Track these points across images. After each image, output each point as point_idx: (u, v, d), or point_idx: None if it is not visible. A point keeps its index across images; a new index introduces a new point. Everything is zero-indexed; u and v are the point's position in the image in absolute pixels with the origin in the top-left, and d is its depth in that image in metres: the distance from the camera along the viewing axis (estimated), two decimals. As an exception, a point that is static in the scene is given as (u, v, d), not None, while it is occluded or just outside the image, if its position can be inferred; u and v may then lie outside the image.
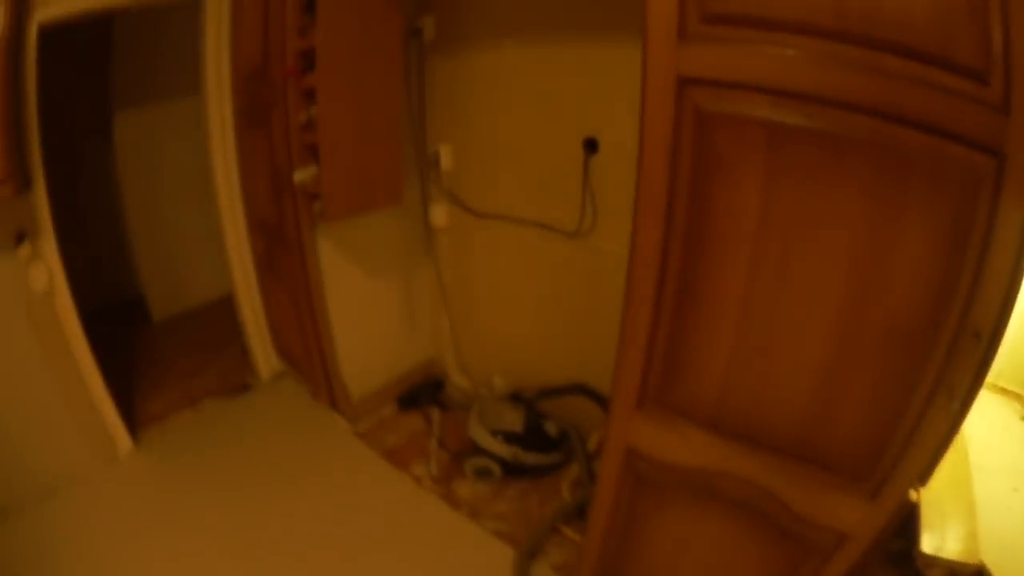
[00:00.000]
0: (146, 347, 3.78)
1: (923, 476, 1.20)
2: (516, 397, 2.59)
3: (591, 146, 2.15)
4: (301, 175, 2.33)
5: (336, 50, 2.11)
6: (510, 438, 2.44)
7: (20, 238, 2.36)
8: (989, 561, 1.14)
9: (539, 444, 2.50)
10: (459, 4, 2.43)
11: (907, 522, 1.22)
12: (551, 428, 2.53)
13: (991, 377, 1.30)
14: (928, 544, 1.16)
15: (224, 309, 3.86)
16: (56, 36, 2.32)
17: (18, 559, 2.35)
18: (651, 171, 1.24)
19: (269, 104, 2.47)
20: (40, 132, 2.39)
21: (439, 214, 2.83)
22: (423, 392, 3.06)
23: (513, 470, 2.50)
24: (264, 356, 3.33)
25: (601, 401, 2.40)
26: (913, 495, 1.22)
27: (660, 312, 1.38)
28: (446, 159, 2.69)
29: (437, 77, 2.61)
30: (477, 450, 2.48)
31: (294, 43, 2.20)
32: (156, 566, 2.31)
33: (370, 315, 2.87)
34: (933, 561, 1.15)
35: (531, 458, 2.48)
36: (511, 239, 2.54)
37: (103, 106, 3.72)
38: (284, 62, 2.27)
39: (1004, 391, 1.62)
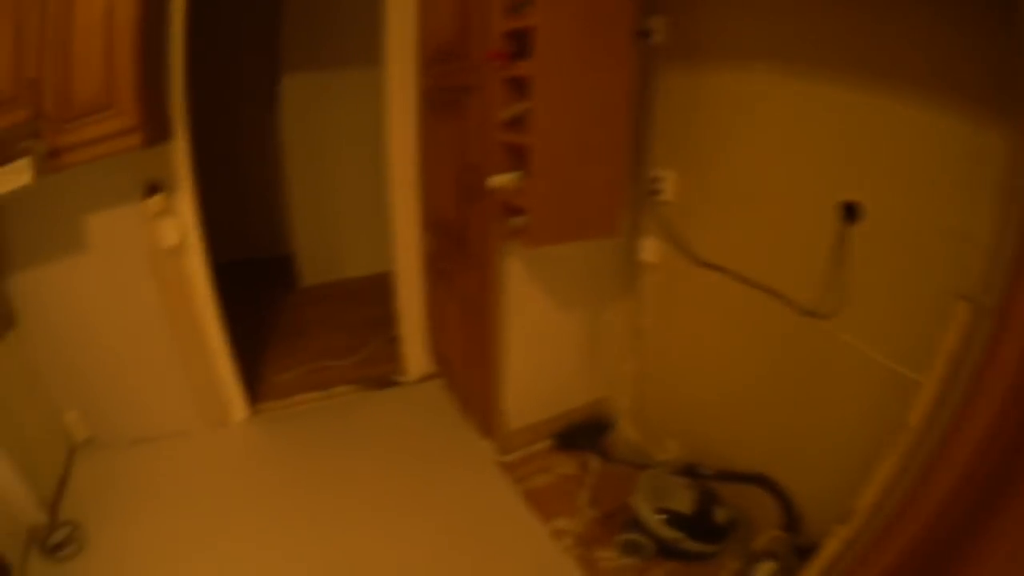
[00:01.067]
0: (289, 312, 3.77)
1: None
2: (690, 471, 2.28)
3: (850, 213, 1.77)
4: (499, 181, 1.99)
5: (557, 36, 1.74)
6: (676, 520, 2.14)
7: (152, 190, 2.29)
8: None
9: (705, 531, 2.18)
10: (700, 4, 1.98)
11: None
12: (721, 514, 2.19)
13: None
14: None
15: (377, 290, 3.79)
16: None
17: (100, 484, 2.43)
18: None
19: (464, 89, 2.17)
20: (194, 88, 2.31)
21: (651, 249, 2.40)
22: (585, 434, 2.69)
23: (668, 552, 2.21)
24: (416, 355, 3.13)
25: (782, 499, 2.05)
26: None
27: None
28: (669, 188, 2.26)
29: (665, 89, 2.18)
30: (635, 523, 2.21)
31: (501, 22, 1.86)
32: (228, 535, 2.24)
33: (548, 342, 2.54)
34: None
35: (694, 546, 2.17)
36: (729, 296, 2.13)
37: (271, 68, 3.74)
38: (487, 43, 1.94)
39: None
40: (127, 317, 2.45)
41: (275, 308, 3.81)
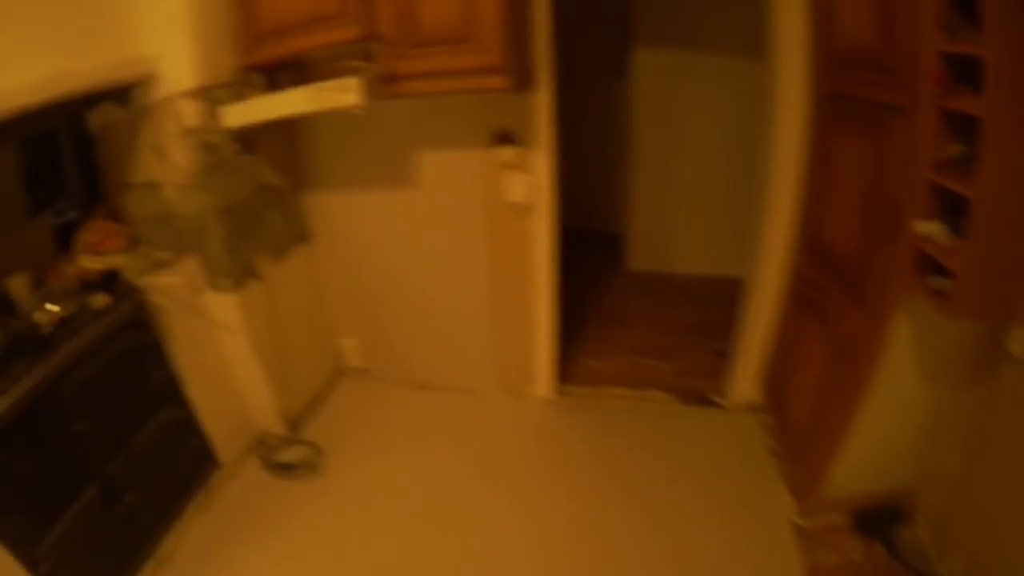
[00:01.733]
0: (612, 295, 3.58)
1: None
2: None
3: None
4: (926, 229, 1.58)
5: (1015, 73, 1.32)
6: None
7: (503, 139, 2.18)
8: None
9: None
10: None
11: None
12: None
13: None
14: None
15: (707, 294, 3.41)
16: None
17: (359, 415, 2.44)
18: None
19: (886, 108, 1.74)
20: (556, 43, 2.11)
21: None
22: (879, 520, 2.19)
23: None
24: (744, 378, 2.64)
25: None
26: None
27: None
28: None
29: None
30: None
31: (935, 41, 1.47)
32: (477, 504, 2.18)
33: (897, 414, 2.02)
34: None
35: None
36: None
37: (621, 36, 3.47)
38: (920, 59, 1.53)
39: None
40: (443, 262, 2.46)
41: (597, 287, 3.66)
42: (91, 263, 2.20)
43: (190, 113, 2.08)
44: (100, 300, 2.01)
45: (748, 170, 2.60)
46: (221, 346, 2.33)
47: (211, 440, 2.30)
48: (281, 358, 2.43)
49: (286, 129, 2.31)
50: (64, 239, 2.45)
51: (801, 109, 2.16)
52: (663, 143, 3.55)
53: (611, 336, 3.13)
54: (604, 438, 2.52)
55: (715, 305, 3.06)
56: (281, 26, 2.07)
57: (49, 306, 1.94)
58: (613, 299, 3.54)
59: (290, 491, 2.31)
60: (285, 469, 2.34)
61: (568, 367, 2.79)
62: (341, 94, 1.89)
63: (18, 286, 2.27)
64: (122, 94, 2.19)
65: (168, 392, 2.17)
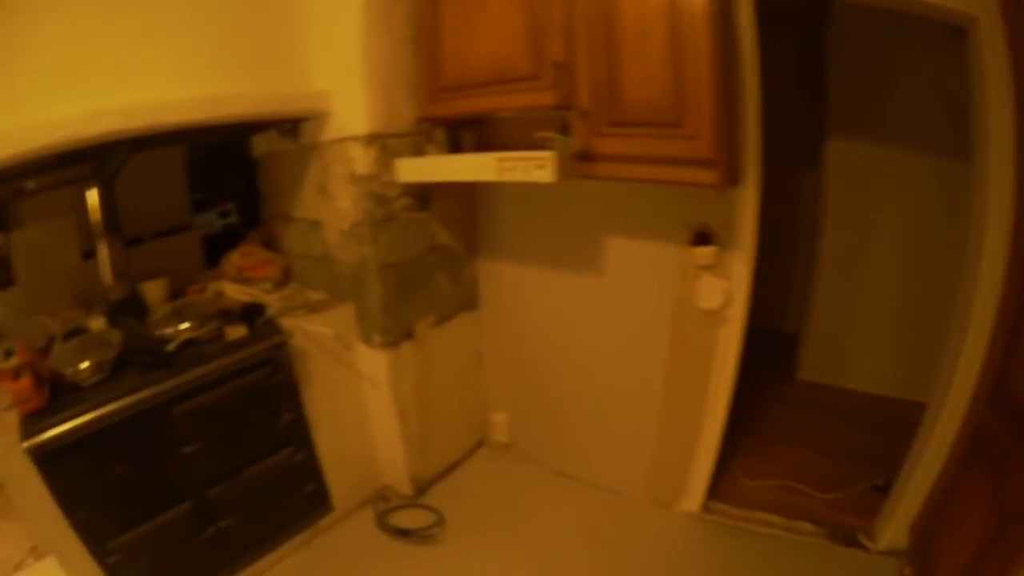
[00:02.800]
0: (778, 406, 3.19)
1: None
2: None
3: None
4: None
5: None
6: None
7: (702, 238, 1.92)
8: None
9: None
10: None
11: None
12: None
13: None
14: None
15: (880, 417, 2.98)
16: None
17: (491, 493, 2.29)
18: None
19: None
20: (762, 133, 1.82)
21: None
22: None
23: None
24: (896, 522, 2.24)
25: None
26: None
27: None
28: None
29: None
30: None
31: None
32: None
33: None
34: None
35: None
36: None
37: (816, 129, 3.09)
38: None
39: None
40: (613, 355, 2.24)
41: (763, 394, 3.29)
42: (237, 293, 2.20)
43: (361, 159, 2.02)
44: (237, 331, 2.00)
45: (940, 285, 2.33)
46: (361, 398, 2.28)
47: (328, 485, 2.27)
48: (423, 420, 2.35)
49: (465, 189, 2.21)
50: (212, 257, 2.49)
51: (1008, 235, 1.74)
52: (851, 243, 3.13)
53: (770, 453, 2.79)
54: (741, 570, 2.23)
55: (885, 431, 2.65)
56: (468, 82, 1.95)
57: (181, 324, 1.96)
58: (778, 410, 3.17)
59: (396, 551, 2.22)
60: (400, 533, 2.26)
61: (720, 482, 2.51)
62: (533, 168, 1.74)
63: (153, 292, 2.32)
64: (289, 126, 2.20)
65: (293, 435, 2.14)
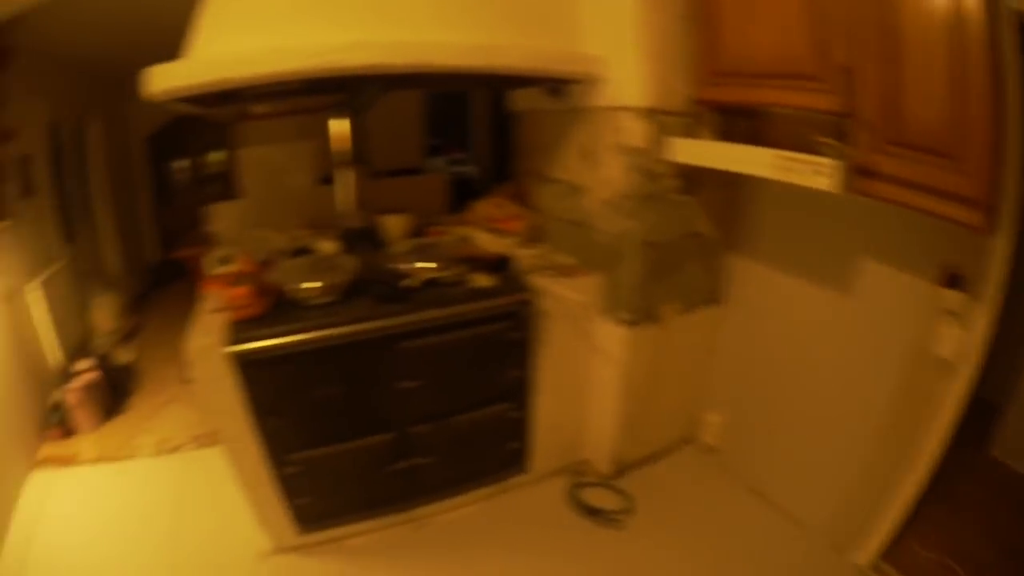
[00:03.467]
0: (962, 476, 2.99)
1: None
2: None
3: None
4: None
5: None
6: None
7: (953, 281, 1.77)
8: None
9: None
10: None
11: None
12: None
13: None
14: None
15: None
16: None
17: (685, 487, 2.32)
18: None
19: None
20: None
21: None
22: None
23: None
24: None
25: None
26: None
27: None
28: None
29: None
30: None
31: None
32: None
33: None
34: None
35: None
36: None
37: None
38: None
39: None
40: (841, 382, 2.12)
41: (952, 459, 3.08)
42: (488, 242, 2.20)
43: (634, 132, 1.98)
44: (483, 280, 1.99)
45: None
46: (588, 369, 2.26)
47: (531, 448, 2.27)
48: (642, 404, 2.31)
49: (730, 179, 2.16)
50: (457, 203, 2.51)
51: None
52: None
53: (945, 525, 2.61)
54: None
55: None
56: (747, 70, 1.87)
57: (424, 263, 1.96)
58: (964, 481, 2.97)
59: (577, 527, 2.20)
60: (589, 511, 2.24)
61: (894, 541, 2.37)
62: (812, 174, 1.65)
63: (394, 226, 2.34)
64: (556, 85, 2.17)
65: (514, 392, 2.15)
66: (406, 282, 1.89)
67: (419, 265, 1.94)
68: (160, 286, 5.73)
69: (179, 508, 2.46)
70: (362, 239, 2.32)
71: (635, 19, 1.90)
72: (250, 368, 1.72)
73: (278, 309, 1.80)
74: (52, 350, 3.20)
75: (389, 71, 1.68)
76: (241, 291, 1.75)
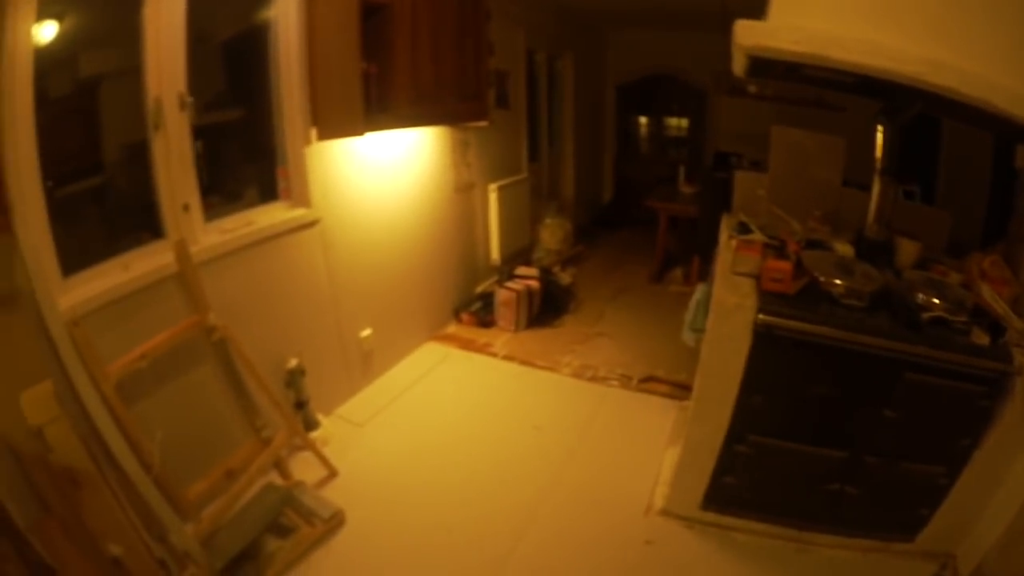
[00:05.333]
0: None
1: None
2: None
3: None
4: None
5: None
6: None
7: None
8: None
9: None
10: None
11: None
12: None
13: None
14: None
15: None
16: None
17: None
18: None
19: None
20: None
21: None
22: None
23: None
24: None
25: None
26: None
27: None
28: None
29: None
30: None
31: None
32: None
33: None
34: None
35: None
36: None
37: None
38: None
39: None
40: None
41: None
42: (991, 299, 2.08)
43: None
44: (981, 336, 1.88)
45: None
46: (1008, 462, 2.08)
47: (932, 519, 2.14)
48: None
49: None
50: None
51: None
52: None
53: None
54: None
55: None
56: None
57: (936, 299, 1.91)
58: None
59: None
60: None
61: None
62: None
63: (907, 251, 2.26)
64: None
65: (954, 460, 2.02)
66: (927, 314, 1.84)
67: (935, 300, 1.88)
68: (608, 227, 6.10)
69: (584, 432, 2.61)
70: (878, 253, 2.28)
71: None
72: (765, 342, 1.77)
73: (805, 294, 1.83)
74: (493, 248, 3.55)
75: (951, 96, 1.63)
76: (784, 265, 1.81)
